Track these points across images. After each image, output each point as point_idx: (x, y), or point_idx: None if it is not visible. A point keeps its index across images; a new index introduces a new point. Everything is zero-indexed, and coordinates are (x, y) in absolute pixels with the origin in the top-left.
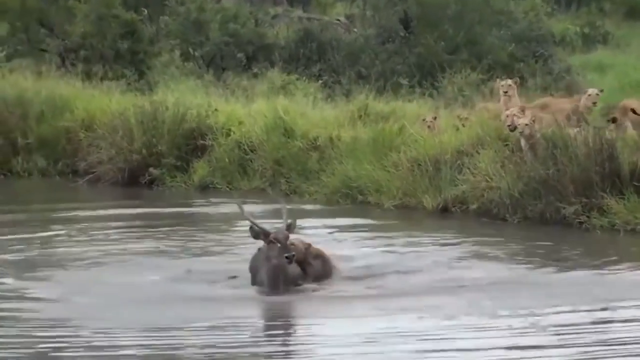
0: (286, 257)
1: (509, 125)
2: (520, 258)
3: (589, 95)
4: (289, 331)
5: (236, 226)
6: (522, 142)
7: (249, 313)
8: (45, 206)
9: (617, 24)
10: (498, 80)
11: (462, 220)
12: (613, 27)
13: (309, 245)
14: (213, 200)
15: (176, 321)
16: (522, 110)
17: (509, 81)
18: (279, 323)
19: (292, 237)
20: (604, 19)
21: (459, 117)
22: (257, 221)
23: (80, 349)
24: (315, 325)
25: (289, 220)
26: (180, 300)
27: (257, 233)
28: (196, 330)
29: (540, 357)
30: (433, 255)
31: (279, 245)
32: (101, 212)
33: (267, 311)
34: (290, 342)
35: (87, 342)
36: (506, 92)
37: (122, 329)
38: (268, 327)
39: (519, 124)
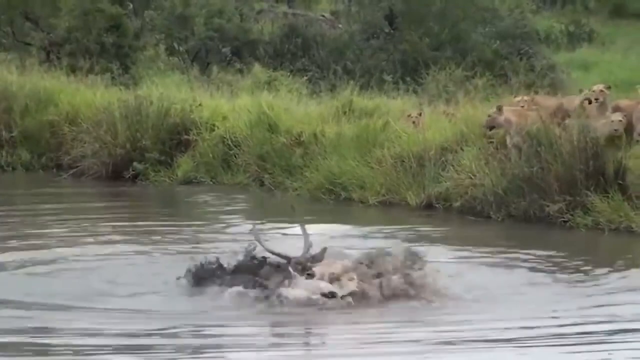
0: (308, 274)
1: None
2: (504, 258)
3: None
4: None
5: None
6: (507, 139)
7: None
8: (28, 200)
9: (602, 22)
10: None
11: (446, 218)
12: (598, 25)
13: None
14: (196, 195)
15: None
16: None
17: (601, 86)
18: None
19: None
20: (589, 17)
21: (445, 112)
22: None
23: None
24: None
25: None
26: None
27: (277, 264)
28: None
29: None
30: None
31: (300, 267)
32: (84, 206)
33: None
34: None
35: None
36: (597, 99)
37: (104, 335)
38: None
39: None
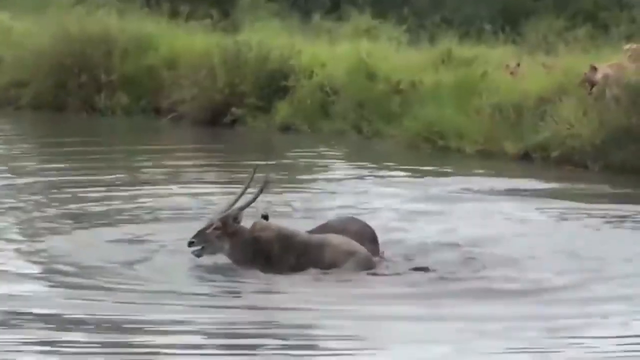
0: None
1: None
2: (601, 211)
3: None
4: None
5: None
6: (607, 91)
7: None
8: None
9: None
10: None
11: (543, 167)
12: None
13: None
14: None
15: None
16: None
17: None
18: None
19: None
20: None
21: (544, 64)
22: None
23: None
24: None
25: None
26: None
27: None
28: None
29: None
30: (508, 205)
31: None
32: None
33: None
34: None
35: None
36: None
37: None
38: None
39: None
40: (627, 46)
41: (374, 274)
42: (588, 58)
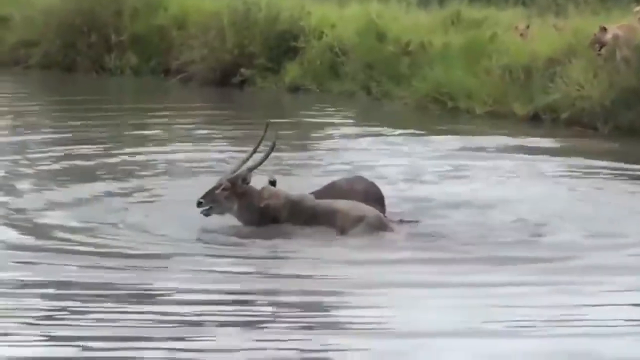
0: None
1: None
2: (612, 176)
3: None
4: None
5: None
6: (617, 52)
7: None
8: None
9: None
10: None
11: (553, 129)
12: None
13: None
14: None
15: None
16: None
17: None
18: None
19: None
20: None
21: (555, 26)
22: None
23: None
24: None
25: (244, 169)
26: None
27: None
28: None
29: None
30: (518, 166)
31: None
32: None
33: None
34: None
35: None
36: None
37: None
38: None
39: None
40: (637, 8)
41: (383, 239)
42: (598, 20)
